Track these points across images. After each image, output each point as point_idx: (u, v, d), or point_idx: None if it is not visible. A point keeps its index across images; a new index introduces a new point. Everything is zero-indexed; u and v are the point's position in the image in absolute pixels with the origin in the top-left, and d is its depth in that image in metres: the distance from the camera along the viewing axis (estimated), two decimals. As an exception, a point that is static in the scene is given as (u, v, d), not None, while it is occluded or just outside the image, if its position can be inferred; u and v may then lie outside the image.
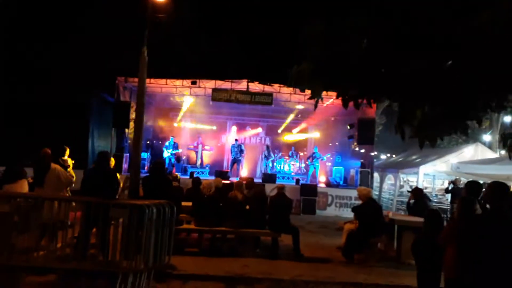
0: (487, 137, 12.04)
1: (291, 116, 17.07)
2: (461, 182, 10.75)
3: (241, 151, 15.47)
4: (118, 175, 6.07)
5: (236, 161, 15.44)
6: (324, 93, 2.42)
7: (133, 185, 6.63)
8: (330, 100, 13.49)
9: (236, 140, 16.42)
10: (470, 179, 8.33)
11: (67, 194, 6.43)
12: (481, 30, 1.39)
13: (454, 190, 10.68)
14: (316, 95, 2.30)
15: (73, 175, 6.68)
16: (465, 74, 2.05)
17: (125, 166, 12.68)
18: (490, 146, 12.25)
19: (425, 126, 1.94)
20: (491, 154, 12.17)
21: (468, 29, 1.45)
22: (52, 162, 6.34)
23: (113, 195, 5.46)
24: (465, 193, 4.44)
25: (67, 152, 7.19)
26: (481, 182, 11.23)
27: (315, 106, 2.49)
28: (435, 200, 13.86)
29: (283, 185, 7.25)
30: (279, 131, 18.11)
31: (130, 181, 7.03)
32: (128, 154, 12.83)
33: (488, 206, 3.58)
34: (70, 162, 7.23)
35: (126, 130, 13.56)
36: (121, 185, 11.15)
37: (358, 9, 1.89)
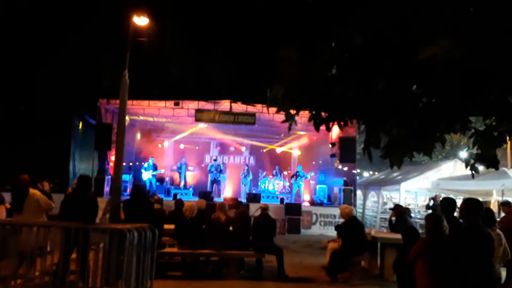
0: (464, 154, 12.37)
1: (275, 136, 17.25)
2: (441, 198, 10.94)
3: (220, 171, 15.48)
4: (98, 198, 6.01)
5: (216, 181, 15.42)
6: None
7: (114, 208, 6.57)
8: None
9: (214, 160, 16.43)
10: (448, 196, 8.51)
11: (45, 219, 6.31)
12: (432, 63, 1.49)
13: (435, 206, 10.87)
14: (288, 119, 2.38)
15: (53, 201, 6.57)
16: (429, 98, 2.17)
17: (106, 189, 12.52)
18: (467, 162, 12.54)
19: (391, 147, 2.03)
20: (467, 170, 12.47)
21: (420, 61, 1.56)
22: (30, 187, 6.25)
23: (93, 219, 5.39)
24: (441, 209, 4.57)
25: (46, 177, 7.09)
26: (460, 198, 11.48)
27: (289, 128, 2.57)
28: (418, 217, 14.01)
29: (267, 205, 7.28)
30: (264, 150, 18.21)
31: (111, 204, 6.97)
32: (109, 176, 12.68)
33: (462, 221, 3.69)
34: (48, 186, 7.12)
35: (108, 152, 13.43)
36: (102, 208, 11.06)
37: (326, 40, 2.00)
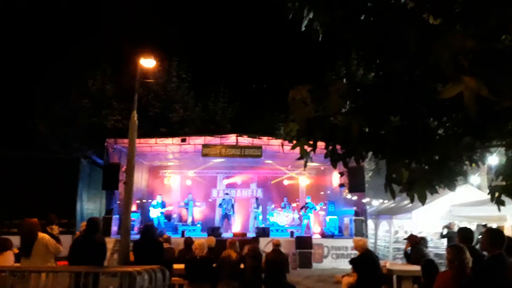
0: (475, 179, 12.18)
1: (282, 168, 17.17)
2: (455, 225, 10.69)
3: (232, 205, 15.36)
4: (106, 238, 5.93)
5: (227, 216, 15.24)
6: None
7: (123, 249, 6.45)
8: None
9: (226, 193, 16.30)
10: (462, 225, 8.31)
11: (53, 263, 6.20)
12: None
13: (449, 234, 10.60)
14: (303, 156, 2.34)
15: (61, 244, 6.47)
16: (446, 130, 2.13)
17: (114, 228, 12.38)
18: (479, 187, 12.34)
19: (412, 184, 1.98)
20: (481, 195, 12.23)
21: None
22: (39, 231, 6.18)
23: (101, 262, 5.29)
24: (459, 240, 4.44)
25: (55, 219, 7.03)
26: (475, 225, 11.21)
27: (305, 165, 2.53)
28: (431, 245, 13.66)
29: (279, 241, 7.13)
30: (272, 182, 18.08)
31: (121, 245, 6.86)
32: (117, 216, 12.57)
33: (485, 253, 3.57)
34: (57, 229, 7.06)
35: (115, 191, 13.39)
36: (110, 249, 10.89)
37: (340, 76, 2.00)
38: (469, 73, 1.52)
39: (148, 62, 8.40)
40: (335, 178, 15.04)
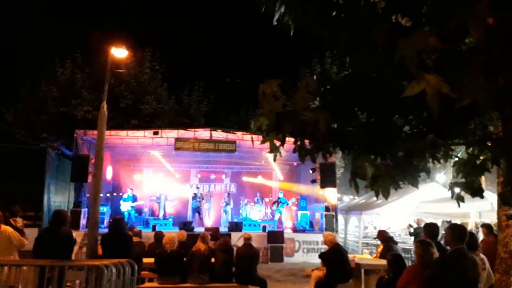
0: (441, 177, 12.61)
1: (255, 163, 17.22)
2: (423, 222, 11.03)
3: (201, 199, 15.32)
4: (74, 232, 5.79)
5: (198, 211, 15.18)
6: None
7: (91, 243, 6.32)
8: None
9: (197, 187, 16.20)
10: (429, 221, 8.56)
11: (16, 257, 6.01)
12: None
13: (417, 230, 10.93)
14: (273, 150, 2.36)
15: (26, 237, 6.28)
16: (411, 128, 2.19)
17: (83, 221, 12.10)
18: (444, 185, 12.78)
19: (376, 179, 2.03)
20: (446, 193, 12.69)
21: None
22: (2, 223, 5.98)
23: (68, 256, 5.16)
24: (425, 235, 4.59)
25: (19, 212, 6.80)
26: (440, 220, 11.60)
27: (274, 159, 2.55)
28: (399, 240, 14.06)
29: (250, 235, 7.14)
30: (244, 178, 18.10)
31: (88, 239, 6.71)
32: (86, 209, 12.28)
33: (448, 247, 3.71)
34: (22, 222, 6.83)
35: (84, 184, 13.06)
36: (79, 242, 10.64)
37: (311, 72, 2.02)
38: (432, 71, 1.57)
39: (119, 52, 8.20)
40: (308, 174, 15.21)
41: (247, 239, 6.93)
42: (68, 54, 17.83)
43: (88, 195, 13.00)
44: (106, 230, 7.10)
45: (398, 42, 1.74)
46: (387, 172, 2.02)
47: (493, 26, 1.34)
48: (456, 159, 2.51)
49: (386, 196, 2.00)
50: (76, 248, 10.68)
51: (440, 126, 2.03)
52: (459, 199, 2.17)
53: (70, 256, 5.30)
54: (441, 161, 2.33)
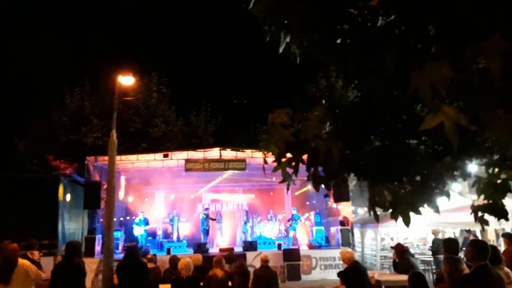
0: (456, 186, 12.39)
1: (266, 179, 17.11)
2: (439, 232, 10.82)
3: (209, 219, 15.27)
4: (89, 259, 5.76)
5: (207, 232, 15.10)
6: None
7: (106, 272, 6.28)
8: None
9: (206, 208, 16.12)
10: (447, 231, 8.37)
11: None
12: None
13: (434, 241, 10.72)
14: (286, 179, 2.31)
15: (43, 270, 6.26)
16: (426, 149, 2.14)
17: (97, 248, 12.08)
18: (460, 193, 12.55)
19: (396, 206, 1.97)
20: (463, 201, 12.43)
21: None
22: (19, 256, 5.97)
23: (81, 286, 5.13)
24: (444, 251, 4.48)
25: (36, 244, 6.82)
26: (458, 230, 11.33)
27: (287, 188, 2.51)
28: (417, 251, 13.79)
29: (267, 257, 7.05)
30: (254, 194, 18.00)
31: (103, 267, 6.68)
32: (100, 235, 12.28)
33: (470, 263, 3.60)
34: (38, 255, 6.83)
35: (98, 210, 13.10)
36: (94, 269, 10.61)
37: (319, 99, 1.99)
38: (448, 102, 1.53)
39: (126, 80, 8.30)
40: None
41: (265, 261, 6.84)
42: (76, 82, 18.16)
43: (101, 220, 13.02)
44: (121, 256, 7.07)
45: (408, 65, 1.70)
46: (406, 198, 1.96)
47: (510, 57, 1.30)
48: (472, 168, 2.45)
49: (408, 224, 1.94)
50: (92, 275, 10.66)
51: (458, 148, 1.96)
52: (484, 222, 2.09)
53: (84, 286, 5.26)
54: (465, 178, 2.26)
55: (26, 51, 19.56)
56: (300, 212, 15.63)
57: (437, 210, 1.96)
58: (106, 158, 9.52)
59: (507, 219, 2.00)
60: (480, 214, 2.10)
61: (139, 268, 5.77)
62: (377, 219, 2.01)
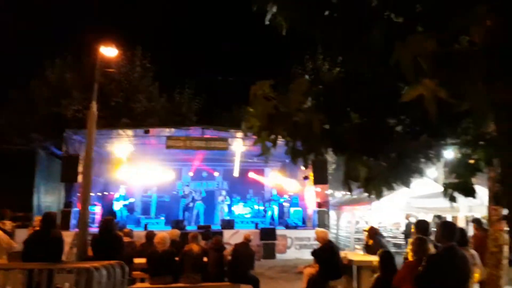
0: (432, 172, 12.71)
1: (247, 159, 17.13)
2: (410, 217, 11.13)
3: (193, 198, 15.26)
4: (65, 232, 5.71)
5: (187, 209, 15.13)
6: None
7: (80, 244, 6.24)
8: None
9: (187, 186, 16.12)
10: (420, 216, 8.61)
11: (5, 260, 5.92)
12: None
13: (408, 225, 11.04)
14: (265, 152, 2.32)
15: (15, 240, 6.20)
16: (404, 128, 2.18)
17: (73, 221, 11.97)
18: (436, 180, 12.89)
19: (370, 181, 2.01)
20: (437, 188, 12.79)
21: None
22: (-10, 226, 5.89)
23: (58, 259, 5.08)
24: (416, 231, 4.63)
25: (8, 214, 6.70)
26: (431, 215, 11.69)
27: (266, 161, 2.52)
28: (390, 235, 14.18)
29: (249, 236, 7.19)
30: (236, 174, 18.02)
31: (78, 240, 6.63)
32: (77, 209, 12.15)
33: (439, 244, 3.74)
34: (10, 225, 6.73)
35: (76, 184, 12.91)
36: (69, 242, 10.54)
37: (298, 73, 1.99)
38: (429, 75, 1.54)
39: (109, 51, 8.09)
40: (300, 171, 15.22)
41: (248, 240, 6.97)
42: (58, 53, 17.62)
43: (79, 194, 12.85)
44: (97, 230, 7.03)
45: (393, 43, 1.71)
46: (380, 174, 2.01)
47: (494, 30, 1.32)
48: (448, 155, 2.51)
49: (379, 197, 1.99)
50: (66, 248, 10.58)
51: (434, 127, 2.01)
52: (452, 199, 2.17)
53: (60, 259, 5.22)
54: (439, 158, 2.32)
55: (7, 21, 18.79)
56: (279, 194, 15.80)
57: (408, 185, 2.01)
58: (86, 131, 9.35)
59: (474, 197, 2.08)
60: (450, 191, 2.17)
61: (114, 241, 5.76)
62: (350, 190, 2.05)
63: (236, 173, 15.67)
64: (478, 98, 1.42)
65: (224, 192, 16.50)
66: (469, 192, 2.06)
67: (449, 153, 2.53)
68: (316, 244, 7.64)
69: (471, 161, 2.09)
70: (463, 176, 2.08)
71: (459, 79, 1.45)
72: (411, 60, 1.47)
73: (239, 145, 14.72)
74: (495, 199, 2.23)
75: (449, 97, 1.44)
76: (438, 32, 1.53)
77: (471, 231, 7.45)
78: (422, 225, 4.62)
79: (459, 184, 2.08)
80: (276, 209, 15.43)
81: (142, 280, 6.58)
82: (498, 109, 1.59)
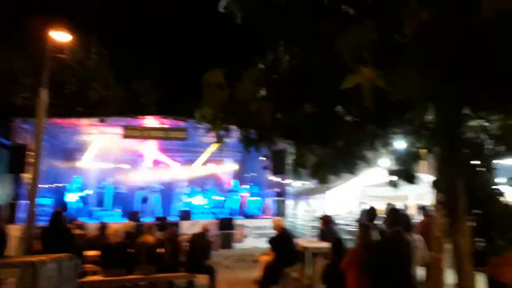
0: (385, 161, 13.28)
1: (207, 150, 17.02)
2: (364, 204, 11.54)
3: (150, 189, 15.02)
4: (11, 226, 5.44)
5: (145, 200, 14.87)
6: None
7: (26, 238, 5.98)
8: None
9: (144, 176, 15.82)
10: (373, 204, 8.94)
11: None
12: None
13: (362, 212, 11.46)
14: (219, 140, 2.33)
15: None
16: (352, 118, 2.25)
17: (23, 215, 11.39)
18: (388, 169, 13.46)
19: (318, 168, 2.07)
20: (390, 177, 13.40)
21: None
22: None
23: (1, 253, 4.84)
24: (364, 218, 4.88)
25: None
26: (383, 203, 12.19)
27: (220, 149, 2.52)
28: (345, 223, 14.64)
29: (208, 226, 7.20)
30: (194, 165, 17.85)
31: (24, 233, 6.35)
32: (24, 201, 11.57)
33: (386, 230, 3.94)
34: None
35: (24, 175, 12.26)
36: (18, 237, 10.05)
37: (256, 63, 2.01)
38: (370, 64, 1.60)
39: (61, 36, 7.70)
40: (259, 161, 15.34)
41: (206, 230, 6.99)
42: (5, 36, 16.51)
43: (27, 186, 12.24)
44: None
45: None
46: (328, 161, 2.07)
47: (426, 22, 1.39)
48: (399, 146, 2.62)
49: (324, 184, 2.06)
50: (15, 243, 10.08)
51: (380, 117, 2.09)
52: (393, 185, 2.29)
53: (3, 254, 4.97)
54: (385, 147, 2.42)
55: None
56: (239, 184, 15.86)
57: (354, 173, 2.09)
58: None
59: (414, 183, 2.19)
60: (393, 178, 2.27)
61: (64, 234, 5.59)
62: (298, 178, 2.10)
63: (198, 165, 15.64)
64: (412, 86, 1.49)
65: (185, 184, 16.31)
66: (411, 179, 2.17)
67: (400, 143, 2.64)
68: (273, 233, 7.78)
69: (414, 150, 2.21)
70: (406, 164, 2.19)
71: (396, 68, 1.52)
72: (351, 50, 1.51)
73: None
74: (435, 186, 2.38)
75: (385, 86, 1.50)
76: (380, 23, 1.59)
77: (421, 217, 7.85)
78: (368, 212, 4.87)
79: (402, 171, 2.19)
80: (236, 200, 15.49)
81: (94, 273, 6.41)
82: (435, 101, 1.68)
